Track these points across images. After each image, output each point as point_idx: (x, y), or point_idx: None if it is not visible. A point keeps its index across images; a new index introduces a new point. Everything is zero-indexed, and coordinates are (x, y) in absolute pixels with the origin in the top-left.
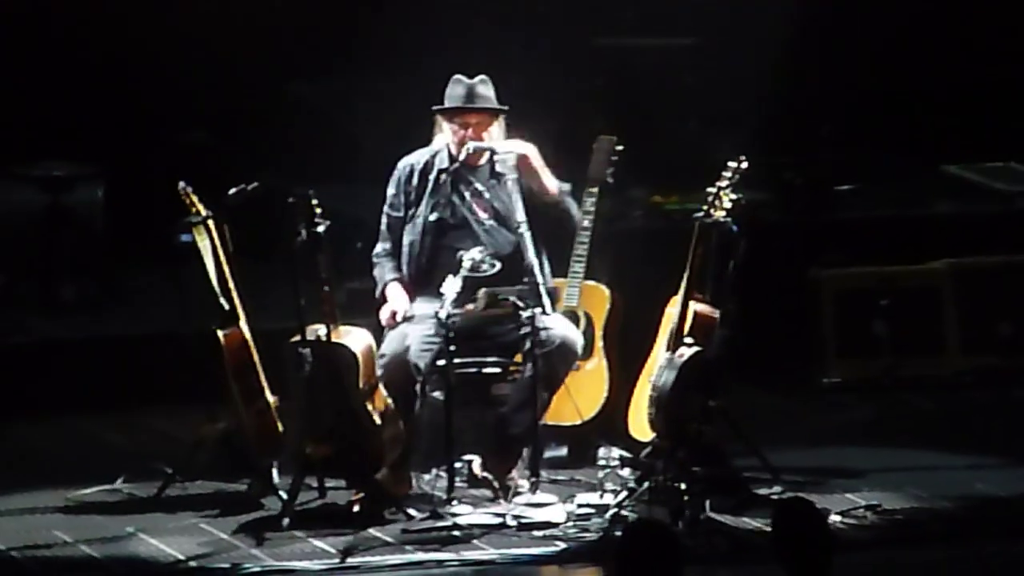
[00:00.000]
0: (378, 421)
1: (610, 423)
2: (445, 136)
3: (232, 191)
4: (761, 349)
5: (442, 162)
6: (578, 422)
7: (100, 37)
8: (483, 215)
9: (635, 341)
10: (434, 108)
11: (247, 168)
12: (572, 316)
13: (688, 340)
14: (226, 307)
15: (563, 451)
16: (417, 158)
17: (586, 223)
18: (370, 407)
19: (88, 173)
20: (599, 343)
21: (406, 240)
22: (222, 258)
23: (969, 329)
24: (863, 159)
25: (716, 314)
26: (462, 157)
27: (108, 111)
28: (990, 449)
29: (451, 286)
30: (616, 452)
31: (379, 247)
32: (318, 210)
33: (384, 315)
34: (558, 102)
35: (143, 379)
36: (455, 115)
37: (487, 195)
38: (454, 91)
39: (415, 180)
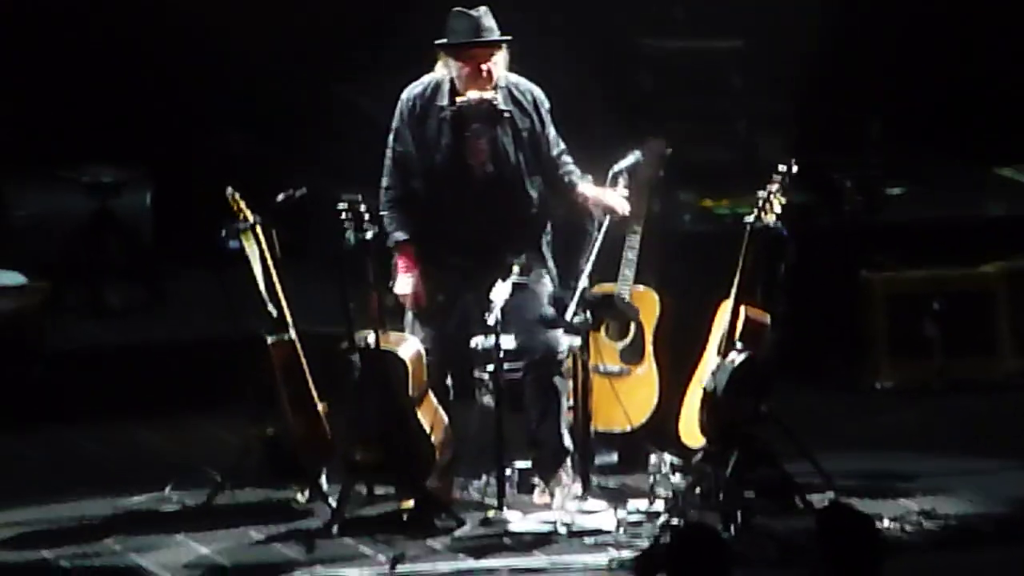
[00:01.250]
0: (427, 427)
1: (661, 429)
2: (446, 68)
3: (280, 196)
4: (812, 352)
5: (443, 97)
6: (628, 428)
7: (147, 42)
8: (479, 161)
9: (686, 346)
10: (439, 43)
11: (295, 173)
12: (623, 321)
13: (739, 344)
14: (274, 313)
15: (614, 457)
16: (419, 89)
17: (636, 227)
18: (419, 413)
19: (135, 178)
20: (649, 348)
21: (414, 184)
22: (270, 264)
23: (1021, 332)
24: (914, 161)
25: (767, 318)
26: (481, 95)
27: (155, 116)
28: None
29: (500, 292)
30: (667, 458)
31: (386, 183)
32: (366, 215)
33: (404, 297)
34: (606, 104)
35: (191, 385)
36: (462, 50)
37: (486, 136)
38: (459, 24)
39: (417, 112)
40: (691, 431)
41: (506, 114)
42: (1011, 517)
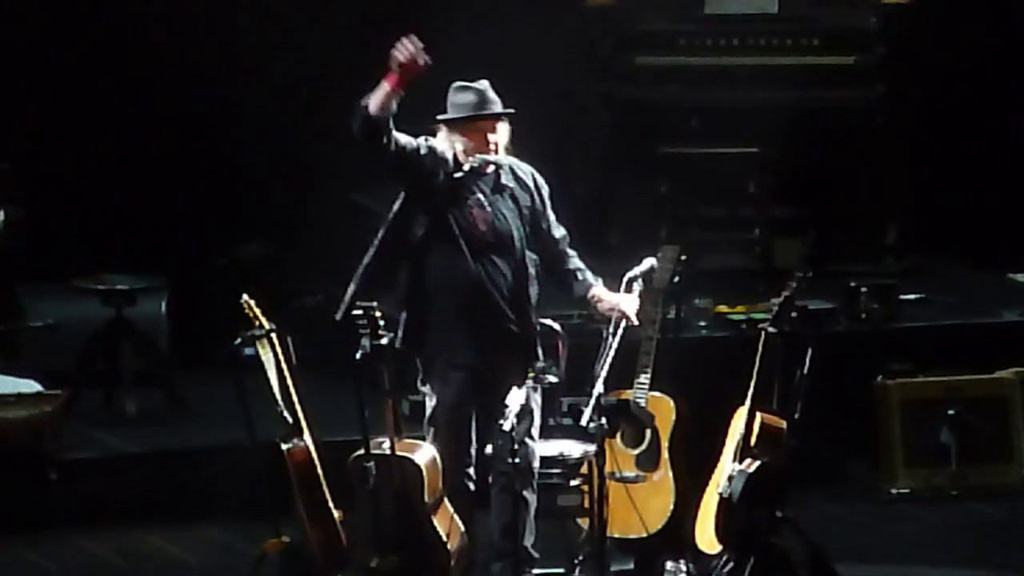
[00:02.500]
0: (444, 535)
1: (677, 535)
2: (448, 143)
3: (294, 304)
4: (828, 459)
5: (447, 163)
6: (644, 534)
7: (160, 151)
8: (482, 227)
9: (702, 452)
10: (444, 118)
11: (309, 280)
12: (639, 427)
13: (755, 451)
14: (290, 420)
15: (630, 564)
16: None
17: (651, 333)
18: (436, 521)
19: (150, 286)
20: (665, 455)
21: (408, 248)
22: (285, 371)
23: None
24: (929, 267)
25: (783, 424)
26: (481, 161)
27: (170, 224)
28: None
29: (515, 398)
30: (683, 565)
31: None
32: (381, 322)
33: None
34: (624, 208)
35: (207, 492)
36: (468, 122)
37: (487, 207)
38: (463, 98)
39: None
40: (707, 538)
41: (507, 189)
42: None
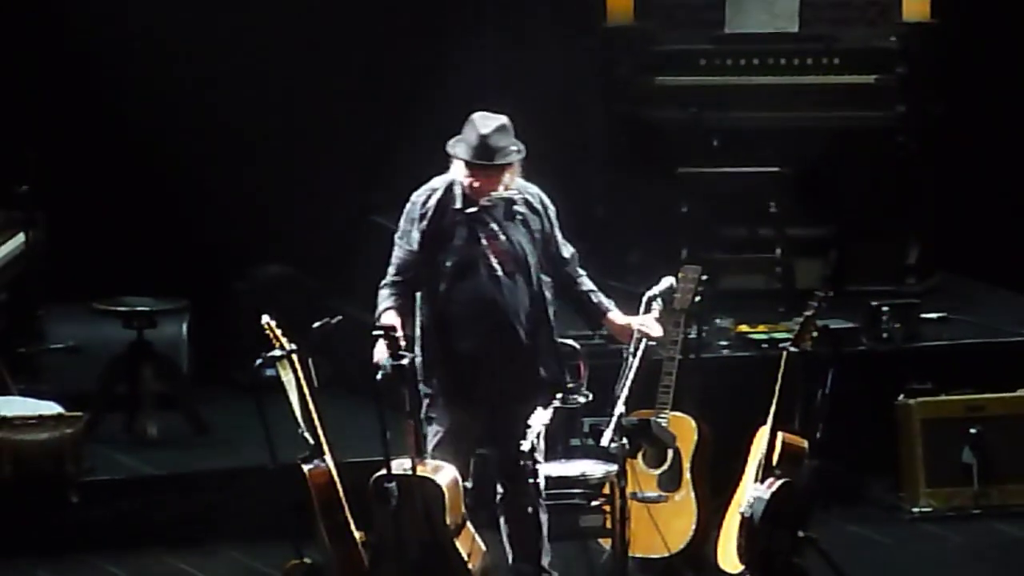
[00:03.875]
0: (465, 555)
1: (699, 555)
2: (457, 170)
3: (315, 325)
4: (850, 479)
5: (455, 199)
6: (666, 555)
7: (181, 174)
8: (496, 261)
9: (724, 472)
10: (449, 151)
11: (330, 301)
12: (660, 447)
13: (777, 471)
14: (311, 441)
15: None
16: (432, 191)
17: (673, 353)
18: (458, 542)
19: (172, 309)
20: (687, 475)
21: (424, 284)
22: (306, 392)
23: None
24: (950, 286)
25: (804, 444)
26: (476, 206)
27: (190, 247)
28: None
29: (539, 419)
30: None
31: (388, 279)
32: (402, 342)
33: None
34: (644, 228)
35: (229, 515)
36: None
37: (502, 237)
38: (468, 137)
39: (431, 214)
40: (729, 558)
41: (519, 215)
42: None
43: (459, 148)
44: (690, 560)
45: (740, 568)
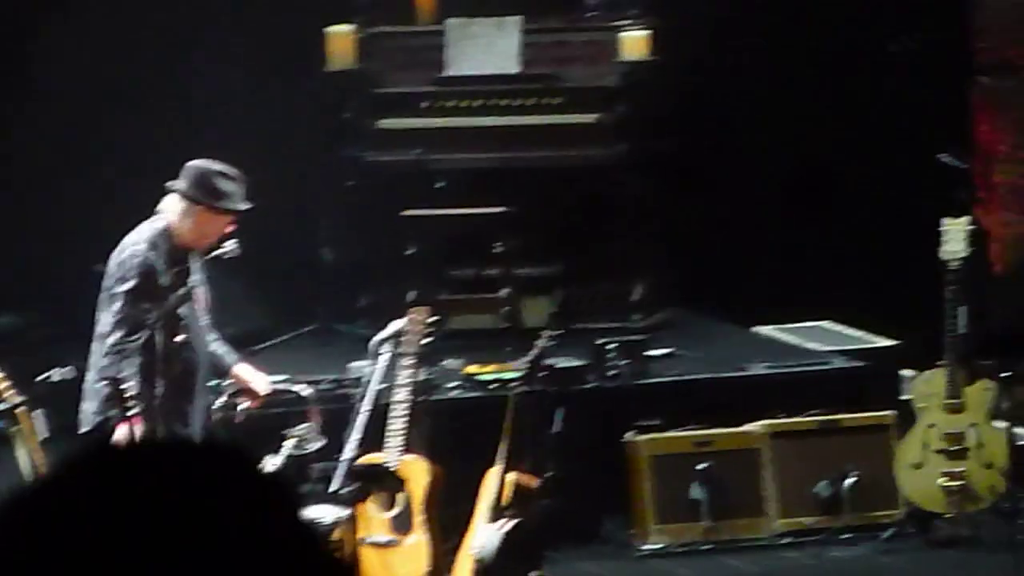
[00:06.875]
0: None
1: None
2: (175, 217)
3: (40, 377)
4: (583, 516)
5: (161, 253)
6: None
7: None
8: (206, 306)
9: (456, 514)
10: (216, 205)
11: (58, 353)
12: (391, 491)
13: (508, 511)
14: None
15: None
16: (147, 243)
17: (402, 395)
18: None
19: None
20: (418, 517)
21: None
22: (35, 447)
23: (787, 490)
24: (676, 322)
25: (535, 483)
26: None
27: None
28: None
29: (271, 464)
30: None
31: (126, 343)
32: (129, 392)
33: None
34: (372, 272)
35: None
36: (217, 212)
37: (206, 285)
38: (226, 187)
39: (152, 267)
40: None
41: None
42: None
43: (216, 198)
44: None
45: None
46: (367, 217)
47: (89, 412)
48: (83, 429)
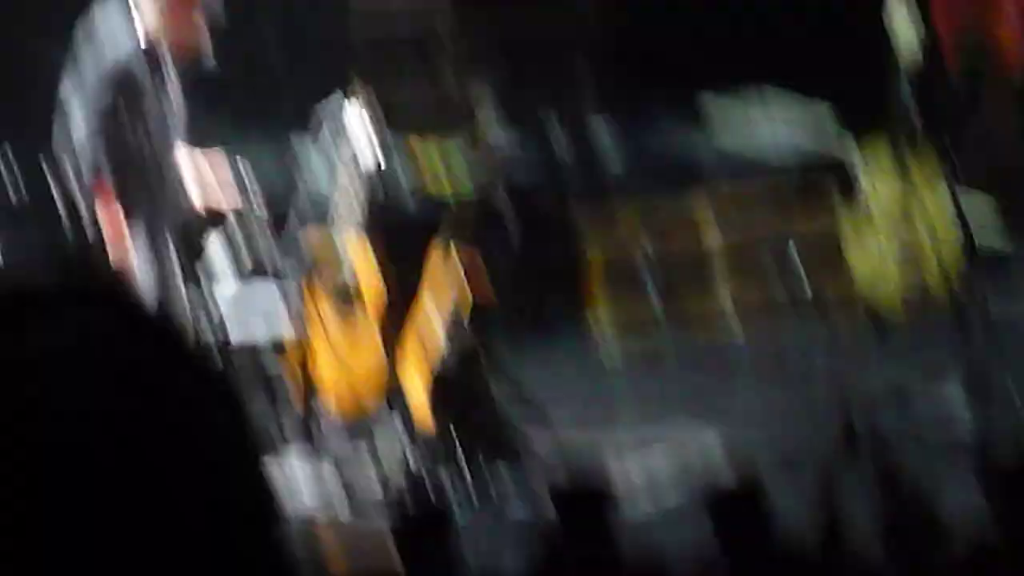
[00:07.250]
0: None
1: None
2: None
3: None
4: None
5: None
6: None
7: None
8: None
9: (404, 294)
10: None
11: None
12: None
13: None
14: None
15: None
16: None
17: (347, 172)
18: None
19: None
20: (366, 299)
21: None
22: None
23: None
24: None
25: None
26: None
27: None
28: None
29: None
30: None
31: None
32: None
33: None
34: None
35: None
36: None
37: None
38: None
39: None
40: None
41: None
42: None
43: None
44: None
45: None
46: None
47: None
48: None
